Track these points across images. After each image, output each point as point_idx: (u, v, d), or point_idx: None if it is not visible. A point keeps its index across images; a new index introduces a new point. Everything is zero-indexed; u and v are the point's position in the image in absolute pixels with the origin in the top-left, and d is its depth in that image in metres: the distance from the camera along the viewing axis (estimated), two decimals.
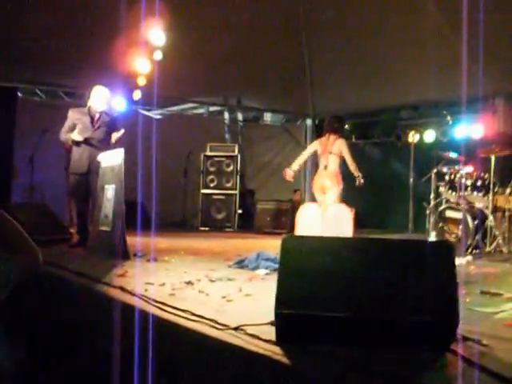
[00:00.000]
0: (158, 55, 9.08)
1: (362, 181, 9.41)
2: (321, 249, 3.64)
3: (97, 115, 8.98)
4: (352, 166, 9.45)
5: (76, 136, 8.71)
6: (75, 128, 8.85)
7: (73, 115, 8.97)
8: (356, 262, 3.53)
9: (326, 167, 9.52)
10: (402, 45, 12.19)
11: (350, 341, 3.32)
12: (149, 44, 8.89)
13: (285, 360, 3.16)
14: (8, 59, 11.28)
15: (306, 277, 3.47)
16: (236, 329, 3.71)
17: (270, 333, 3.47)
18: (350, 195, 14.81)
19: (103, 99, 9.00)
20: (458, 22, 8.93)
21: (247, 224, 14.44)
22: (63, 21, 11.03)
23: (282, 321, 3.39)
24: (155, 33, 8.78)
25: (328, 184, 9.41)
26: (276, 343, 3.37)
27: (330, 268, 3.50)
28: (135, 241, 8.06)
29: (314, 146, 9.95)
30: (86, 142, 8.82)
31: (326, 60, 13.94)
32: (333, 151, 9.49)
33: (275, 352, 3.25)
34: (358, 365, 3.06)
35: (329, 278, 3.45)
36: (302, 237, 4.25)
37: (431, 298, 3.32)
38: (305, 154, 10.05)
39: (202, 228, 13.99)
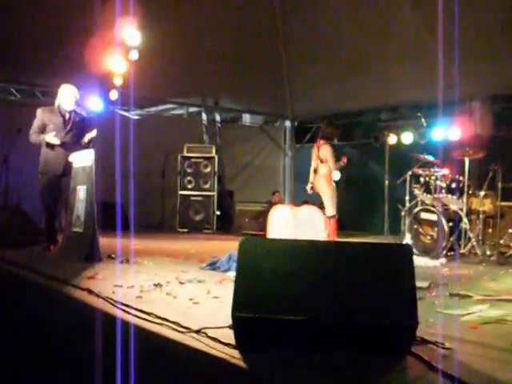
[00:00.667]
0: (134, 55, 9.01)
1: (344, 161, 10.07)
2: (279, 251, 3.61)
3: (67, 115, 8.78)
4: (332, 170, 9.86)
5: (52, 139, 8.50)
6: (45, 128, 8.66)
7: (42, 115, 8.74)
8: (315, 265, 3.51)
9: (315, 171, 10.01)
10: (381, 46, 12.21)
11: (309, 344, 3.31)
12: (124, 43, 8.82)
13: (242, 364, 3.16)
14: None
15: (264, 279, 3.45)
16: (198, 332, 3.70)
17: (232, 336, 3.46)
18: None
19: (71, 98, 8.78)
20: (434, 23, 8.98)
21: (226, 225, 14.40)
22: (38, 20, 10.96)
23: (240, 324, 3.38)
24: (130, 32, 8.71)
25: (319, 187, 9.91)
26: (236, 347, 3.37)
27: (288, 271, 3.48)
28: (112, 242, 8.08)
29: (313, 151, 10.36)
30: (61, 143, 8.64)
31: (305, 61, 13.93)
32: (320, 156, 9.95)
33: (234, 356, 3.25)
34: (318, 368, 3.08)
35: (287, 281, 3.44)
36: (260, 239, 4.23)
37: (390, 301, 3.33)
38: (312, 163, 10.28)
39: (181, 229, 13.92)
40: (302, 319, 3.28)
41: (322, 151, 9.90)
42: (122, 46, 9.15)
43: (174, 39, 12.02)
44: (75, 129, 8.78)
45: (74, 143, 8.63)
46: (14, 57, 11.41)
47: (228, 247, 9.20)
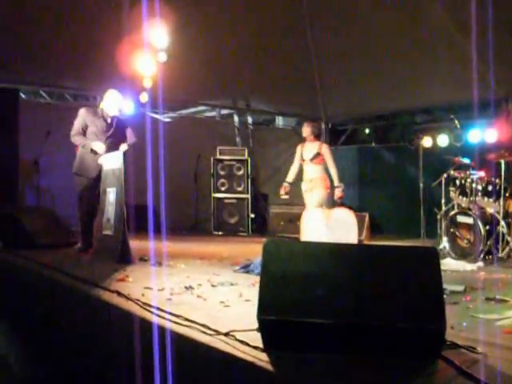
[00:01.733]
0: (162, 57, 9.02)
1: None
2: (303, 254, 3.60)
3: (109, 120, 8.75)
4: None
5: (100, 148, 8.47)
6: (87, 129, 8.64)
7: (86, 116, 8.69)
8: (340, 268, 3.49)
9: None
10: (414, 47, 12.08)
11: (336, 347, 3.27)
12: (152, 46, 8.83)
13: (269, 367, 3.12)
14: (10, 60, 11.22)
15: (288, 282, 3.43)
16: (226, 334, 3.68)
17: (260, 339, 3.43)
18: (364, 200, 14.79)
19: (116, 104, 8.78)
20: (467, 23, 8.85)
21: (261, 228, 14.34)
22: (69, 23, 11.00)
23: (266, 327, 3.37)
24: (158, 34, 8.72)
25: (312, 189, 9.55)
26: (263, 350, 3.34)
27: (313, 274, 3.46)
28: (144, 245, 8.06)
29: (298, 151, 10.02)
30: None
31: (338, 64, 13.85)
32: (314, 156, 9.56)
33: (260, 358, 3.22)
34: (344, 372, 3.02)
35: (312, 284, 3.41)
36: (284, 242, 4.19)
37: (417, 304, 3.28)
38: (295, 163, 10.00)
39: (216, 232, 13.91)
40: (327, 322, 3.24)
41: (322, 151, 9.47)
42: (151, 49, 9.16)
43: (203, 41, 12.01)
44: (115, 135, 8.75)
45: (111, 149, 8.56)
46: (43, 59, 11.45)
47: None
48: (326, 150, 9.56)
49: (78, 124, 8.68)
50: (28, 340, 6.42)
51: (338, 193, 9.45)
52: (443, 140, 12.61)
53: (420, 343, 3.24)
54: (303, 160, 9.62)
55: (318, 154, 9.46)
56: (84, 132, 8.65)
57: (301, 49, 13.88)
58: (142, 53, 8.90)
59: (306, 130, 9.71)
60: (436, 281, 3.35)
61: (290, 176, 10.01)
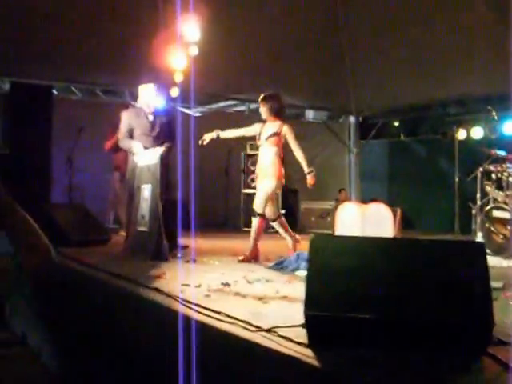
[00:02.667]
0: (194, 50, 9.01)
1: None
2: (349, 249, 3.60)
3: (150, 117, 8.60)
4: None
5: (136, 148, 8.32)
6: (133, 132, 8.51)
7: (129, 118, 8.55)
8: (386, 263, 3.49)
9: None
10: (448, 38, 12.00)
11: (382, 343, 3.27)
12: (184, 39, 8.81)
13: (315, 363, 3.12)
14: (42, 57, 11.29)
15: (335, 277, 3.44)
16: (268, 330, 3.69)
17: (303, 335, 3.42)
18: (395, 195, 14.69)
19: (153, 98, 8.65)
20: (506, 12, 8.73)
21: (291, 224, 14.22)
22: (99, 19, 11.06)
23: (312, 323, 3.35)
24: (190, 28, 8.70)
25: (265, 175, 8.25)
26: (308, 345, 3.34)
27: (358, 268, 3.45)
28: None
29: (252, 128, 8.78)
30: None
31: (369, 56, 13.79)
32: (272, 137, 8.36)
33: (306, 354, 3.22)
34: (391, 368, 3.04)
35: (358, 279, 3.42)
36: (331, 236, 4.17)
37: (464, 300, 3.28)
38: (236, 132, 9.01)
39: (245, 228, 13.86)
40: (373, 318, 3.23)
41: (283, 131, 8.25)
42: (182, 42, 9.14)
43: (234, 35, 12.02)
44: (161, 133, 8.62)
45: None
46: (74, 55, 11.51)
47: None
48: (287, 130, 8.28)
49: (123, 127, 8.57)
50: (67, 337, 6.42)
51: (309, 179, 8.46)
52: (478, 132, 12.52)
53: (466, 339, 3.23)
54: (258, 140, 8.39)
55: (276, 134, 8.21)
56: (131, 135, 8.52)
57: (333, 42, 13.84)
58: (173, 47, 8.87)
59: (263, 110, 8.35)
60: (483, 276, 3.33)
61: (226, 132, 8.80)
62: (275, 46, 13.10)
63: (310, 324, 3.35)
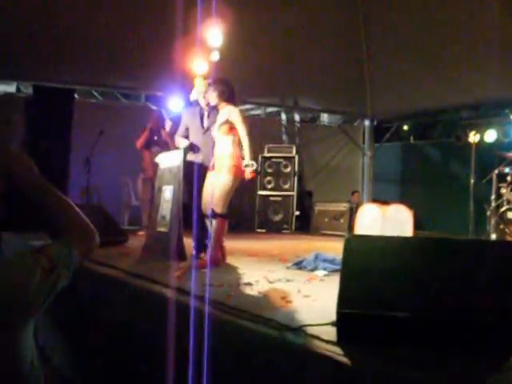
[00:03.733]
0: (215, 56, 9.08)
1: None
2: (383, 248, 3.63)
3: (205, 112, 8.29)
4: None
5: (181, 144, 8.18)
6: (187, 132, 8.36)
7: (185, 116, 8.47)
8: (419, 262, 3.52)
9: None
10: (462, 43, 12.03)
11: (413, 342, 3.25)
12: (206, 45, 8.88)
13: (346, 360, 3.13)
14: (65, 61, 11.44)
15: (368, 276, 3.46)
16: (297, 329, 3.69)
17: (331, 333, 3.43)
18: (408, 197, 14.74)
19: (201, 92, 8.32)
20: None
21: (305, 226, 14.34)
22: (120, 23, 11.17)
23: (344, 320, 3.35)
24: (212, 33, 8.76)
25: (220, 168, 7.36)
26: (337, 344, 3.33)
27: (392, 268, 3.49)
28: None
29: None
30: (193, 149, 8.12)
31: (384, 59, 13.85)
32: (221, 124, 7.52)
33: (337, 352, 3.23)
34: (422, 366, 3.02)
35: (391, 278, 3.44)
36: (365, 236, 4.21)
37: (499, 299, 3.26)
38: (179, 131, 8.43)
39: (259, 230, 13.91)
40: (404, 316, 3.25)
41: (232, 117, 7.35)
42: (204, 47, 9.22)
43: (252, 40, 12.08)
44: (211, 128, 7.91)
45: (207, 146, 7.98)
46: (95, 59, 11.65)
47: (309, 247, 9.23)
48: (235, 115, 7.36)
49: (181, 126, 8.48)
50: (82, 341, 6.44)
51: (246, 173, 7.24)
52: (491, 135, 12.53)
53: (503, 338, 3.22)
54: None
55: (227, 122, 7.34)
56: (187, 136, 8.35)
57: (349, 46, 13.91)
58: (195, 52, 8.94)
59: (212, 96, 7.55)
60: None
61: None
62: (291, 51, 13.19)
63: (341, 322, 3.36)
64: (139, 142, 10.78)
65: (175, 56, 9.61)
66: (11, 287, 2.08)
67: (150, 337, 5.11)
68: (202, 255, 7.46)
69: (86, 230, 2.39)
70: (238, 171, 7.18)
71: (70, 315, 6.47)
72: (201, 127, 8.28)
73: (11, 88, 13.05)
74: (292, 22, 12.65)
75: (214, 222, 7.24)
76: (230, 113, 7.33)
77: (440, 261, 3.51)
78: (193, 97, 8.55)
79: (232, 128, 7.30)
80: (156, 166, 8.96)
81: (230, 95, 7.50)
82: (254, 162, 7.21)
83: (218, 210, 7.20)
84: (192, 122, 8.39)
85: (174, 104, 11.75)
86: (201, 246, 7.62)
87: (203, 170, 7.75)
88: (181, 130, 8.47)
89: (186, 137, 8.34)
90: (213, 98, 7.50)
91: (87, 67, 11.85)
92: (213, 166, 7.41)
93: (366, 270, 3.48)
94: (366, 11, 13.29)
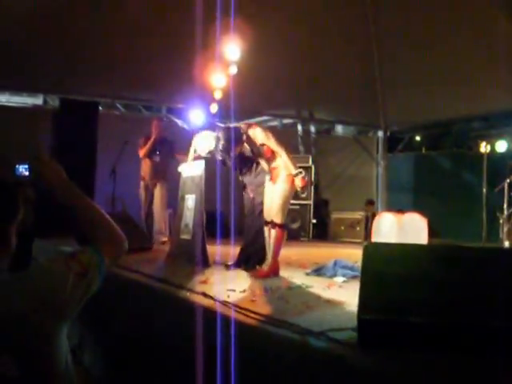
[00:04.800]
0: (233, 69, 9.28)
1: None
2: (401, 256, 3.73)
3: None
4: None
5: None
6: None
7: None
8: (436, 269, 3.59)
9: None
10: (473, 55, 12.16)
11: (432, 347, 3.32)
12: (224, 58, 9.07)
13: (368, 365, 3.26)
14: (90, 74, 11.70)
15: (387, 283, 3.54)
16: (319, 334, 3.77)
17: (352, 338, 3.54)
18: (421, 206, 14.87)
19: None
20: None
21: (321, 233, 14.48)
22: (142, 38, 11.38)
23: (365, 326, 3.44)
24: (231, 48, 8.97)
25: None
26: (358, 348, 3.44)
27: (410, 274, 3.56)
28: (215, 249, 8.19)
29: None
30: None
31: (397, 71, 13.94)
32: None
33: (359, 357, 3.35)
34: (442, 371, 3.10)
35: (410, 284, 3.51)
36: (383, 244, 4.32)
37: (510, 305, 3.31)
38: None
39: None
40: (424, 321, 3.33)
41: (257, 139, 7.34)
42: (222, 61, 9.42)
43: (269, 54, 12.23)
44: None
45: None
46: (118, 73, 11.90)
47: (327, 254, 9.31)
48: (258, 135, 7.36)
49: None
50: (111, 342, 6.54)
51: (298, 181, 7.12)
52: (502, 145, 12.68)
53: None
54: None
55: (261, 146, 7.36)
56: None
57: (362, 58, 14.05)
58: (214, 66, 9.14)
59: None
60: None
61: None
62: (307, 65, 13.34)
63: (362, 327, 3.45)
64: (143, 151, 11.01)
65: (195, 69, 9.81)
66: (46, 292, 2.25)
67: (177, 342, 5.18)
68: (263, 266, 7.36)
69: (116, 237, 2.56)
70: (292, 180, 7.08)
71: (97, 317, 6.53)
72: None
73: (38, 100, 13.29)
74: (307, 37, 12.76)
75: (273, 231, 7.15)
76: (255, 137, 7.30)
77: (457, 267, 3.58)
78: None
79: (268, 148, 7.27)
80: (153, 173, 10.09)
81: (239, 137, 7.32)
82: (302, 170, 7.11)
83: (278, 221, 7.12)
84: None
85: (194, 116, 11.93)
86: (260, 256, 7.58)
87: None
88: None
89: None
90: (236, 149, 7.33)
91: (111, 81, 12.14)
92: (270, 177, 7.35)
93: (384, 277, 3.56)
94: (378, 24, 13.40)
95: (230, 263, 7.71)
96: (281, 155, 7.16)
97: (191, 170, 8.44)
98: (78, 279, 2.32)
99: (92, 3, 11.04)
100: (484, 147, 12.51)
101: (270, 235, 7.15)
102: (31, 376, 2.22)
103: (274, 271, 7.15)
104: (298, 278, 6.88)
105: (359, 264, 4.05)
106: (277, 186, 7.14)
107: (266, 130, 7.47)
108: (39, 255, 2.55)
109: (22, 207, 2.43)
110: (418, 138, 17.33)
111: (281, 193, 7.09)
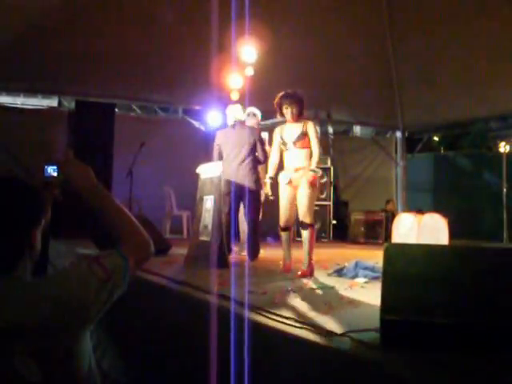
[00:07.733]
0: (250, 71, 9.27)
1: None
2: (422, 256, 3.68)
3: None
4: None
5: None
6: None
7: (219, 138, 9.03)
8: (457, 269, 3.56)
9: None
10: (491, 55, 12.11)
11: (455, 347, 3.30)
12: (241, 61, 9.08)
13: (391, 366, 3.23)
14: (106, 76, 11.73)
15: (409, 284, 3.51)
16: (342, 335, 3.75)
17: (375, 339, 3.52)
18: (440, 206, 14.84)
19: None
20: None
21: (341, 234, 14.46)
22: (157, 41, 11.41)
23: (388, 327, 3.43)
24: (247, 50, 8.97)
25: (304, 182, 7.43)
26: (381, 349, 3.43)
27: (432, 275, 3.53)
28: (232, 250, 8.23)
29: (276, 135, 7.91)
30: None
31: (415, 72, 13.93)
32: (300, 139, 7.54)
33: (381, 358, 3.34)
34: (465, 372, 3.07)
35: (431, 285, 3.48)
36: (404, 245, 4.28)
37: None
38: (276, 151, 7.96)
39: (298, 238, 13.95)
40: (446, 322, 3.31)
41: (307, 129, 7.44)
42: (239, 63, 9.41)
43: (285, 55, 12.23)
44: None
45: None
46: (134, 75, 11.91)
47: (347, 255, 9.29)
48: (311, 128, 7.45)
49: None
50: (130, 346, 6.52)
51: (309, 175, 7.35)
52: None
53: None
54: (284, 144, 7.55)
55: (303, 135, 7.43)
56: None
57: (380, 59, 14.02)
58: (231, 68, 9.15)
59: (291, 113, 7.50)
60: None
61: (272, 170, 7.94)
62: (325, 66, 13.35)
63: (385, 328, 3.44)
64: None
65: (212, 71, 9.83)
66: (69, 297, 2.23)
67: (196, 343, 5.10)
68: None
69: (143, 240, 2.51)
70: (316, 182, 7.37)
71: (117, 320, 6.56)
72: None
73: (54, 102, 13.34)
74: (326, 38, 12.78)
75: (305, 232, 7.48)
76: (307, 126, 7.42)
77: (478, 268, 3.55)
78: (230, 121, 8.95)
79: (308, 141, 7.43)
80: None
81: (302, 109, 7.58)
82: (319, 170, 7.42)
83: (308, 221, 7.39)
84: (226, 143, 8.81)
85: (211, 118, 11.94)
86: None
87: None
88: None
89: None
90: (291, 114, 7.46)
91: (127, 82, 12.19)
92: (289, 180, 7.49)
93: (406, 278, 3.53)
94: (395, 25, 13.36)
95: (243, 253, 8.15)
96: (315, 151, 7.46)
97: (209, 171, 8.47)
98: (101, 284, 2.29)
99: (107, 5, 11.06)
100: (503, 147, 12.46)
101: (302, 236, 7.54)
102: (55, 380, 2.21)
103: (312, 270, 7.30)
104: (319, 278, 6.91)
105: (380, 265, 3.99)
106: (301, 189, 7.34)
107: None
108: (54, 257, 2.52)
109: (48, 209, 2.42)
110: (436, 139, 17.29)
111: (308, 195, 7.32)
